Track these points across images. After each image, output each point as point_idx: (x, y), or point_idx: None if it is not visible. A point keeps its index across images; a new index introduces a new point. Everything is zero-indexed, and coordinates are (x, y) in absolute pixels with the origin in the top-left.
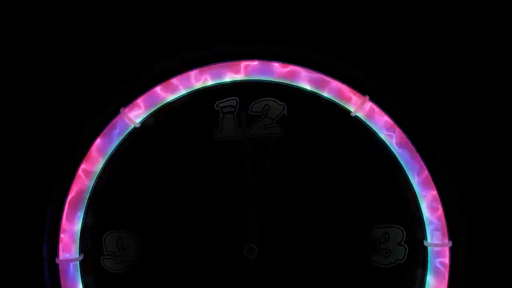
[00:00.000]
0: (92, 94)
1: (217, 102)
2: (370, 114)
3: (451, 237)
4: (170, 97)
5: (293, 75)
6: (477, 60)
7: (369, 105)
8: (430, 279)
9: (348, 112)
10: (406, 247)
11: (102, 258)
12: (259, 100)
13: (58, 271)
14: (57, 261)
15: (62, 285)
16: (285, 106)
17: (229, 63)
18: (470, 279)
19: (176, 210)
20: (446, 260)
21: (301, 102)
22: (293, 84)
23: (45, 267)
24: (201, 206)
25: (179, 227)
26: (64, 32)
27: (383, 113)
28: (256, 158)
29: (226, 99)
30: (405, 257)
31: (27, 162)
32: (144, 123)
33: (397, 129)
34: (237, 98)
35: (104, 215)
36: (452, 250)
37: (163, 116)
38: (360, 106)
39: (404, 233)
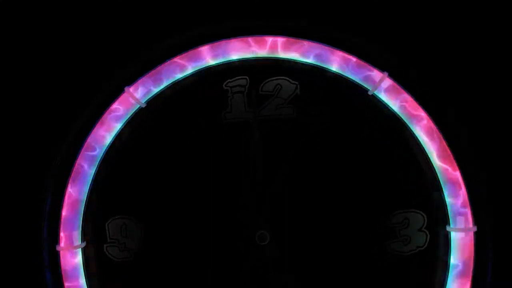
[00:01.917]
0: (96, 73)
1: (226, 81)
2: (389, 92)
3: (476, 221)
4: (177, 76)
5: (306, 51)
6: (498, 34)
7: (388, 82)
8: (453, 267)
9: (365, 90)
10: (427, 233)
11: (105, 245)
12: (270, 79)
13: (59, 259)
14: (58, 248)
15: (63, 273)
16: (298, 85)
17: (239, 39)
18: (496, 266)
19: (182, 194)
20: (471, 246)
21: (314, 81)
22: (307, 61)
23: (45, 255)
24: (209, 191)
25: (186, 211)
26: (67, 9)
27: (403, 91)
28: (267, 141)
29: (235, 78)
30: (426, 244)
31: (27, 144)
32: (149, 102)
33: (419, 108)
34: (247, 77)
35: (107, 200)
36: (477, 235)
37: (169, 95)
38: (378, 84)
39: (425, 218)
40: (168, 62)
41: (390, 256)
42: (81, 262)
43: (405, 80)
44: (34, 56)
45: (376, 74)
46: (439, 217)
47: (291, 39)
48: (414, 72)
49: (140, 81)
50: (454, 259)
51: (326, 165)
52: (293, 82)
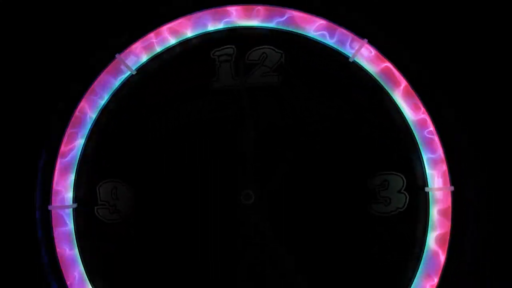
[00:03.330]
0: (87, 40)
1: (213, 51)
2: (369, 59)
3: (453, 182)
4: (167, 44)
5: (289, 20)
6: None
7: (368, 49)
8: (432, 226)
9: (346, 57)
10: (407, 194)
11: (96, 208)
12: (256, 48)
13: (51, 218)
14: (49, 208)
15: (54, 232)
16: (283, 54)
17: (224, 8)
18: (474, 224)
19: (172, 159)
20: (449, 206)
21: (298, 49)
22: (290, 29)
23: (37, 214)
24: (198, 154)
25: (175, 175)
26: None
27: (382, 58)
28: (253, 107)
29: (222, 47)
30: (405, 205)
31: (21, 107)
32: (140, 70)
33: (398, 74)
34: (233, 46)
35: (99, 163)
36: (454, 195)
37: (159, 63)
38: (358, 51)
39: (404, 180)
40: (158, 29)
41: (371, 217)
42: (72, 222)
43: (384, 46)
44: (25, 24)
45: (355, 41)
46: (418, 178)
47: (272, 7)
48: (393, 40)
49: (131, 48)
50: (433, 220)
51: (307, 129)
52: (278, 51)
